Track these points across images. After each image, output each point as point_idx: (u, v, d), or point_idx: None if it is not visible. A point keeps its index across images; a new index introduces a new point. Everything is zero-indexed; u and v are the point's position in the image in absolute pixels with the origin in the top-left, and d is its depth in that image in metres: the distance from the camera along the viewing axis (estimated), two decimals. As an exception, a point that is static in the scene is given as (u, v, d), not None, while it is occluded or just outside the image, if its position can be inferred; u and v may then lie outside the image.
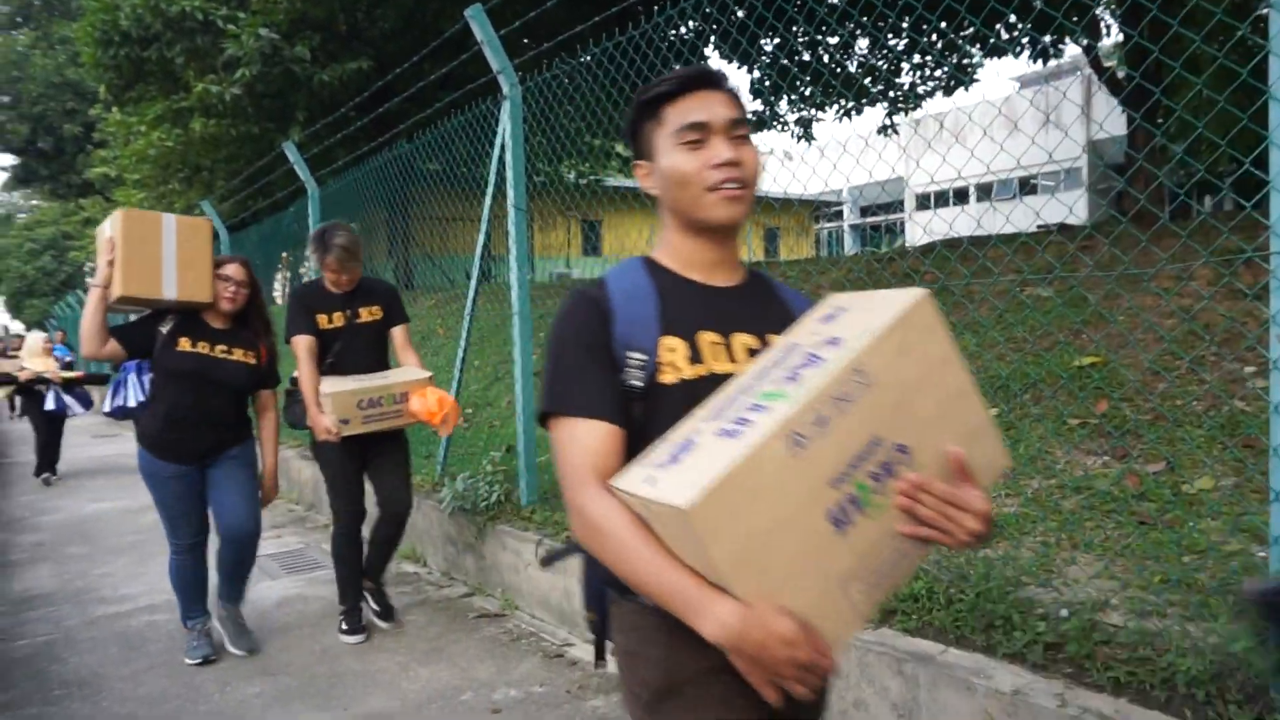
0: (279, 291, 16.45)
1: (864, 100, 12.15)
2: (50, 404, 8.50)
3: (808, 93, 11.99)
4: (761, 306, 1.38)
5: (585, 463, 1.20)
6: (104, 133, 21.36)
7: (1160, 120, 8.06)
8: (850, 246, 30.02)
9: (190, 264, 3.44)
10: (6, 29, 27.10)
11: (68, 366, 13.23)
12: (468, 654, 3.61)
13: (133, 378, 3.70)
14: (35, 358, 8.73)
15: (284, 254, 13.66)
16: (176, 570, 3.68)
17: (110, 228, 3.40)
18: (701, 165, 1.25)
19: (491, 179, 4.19)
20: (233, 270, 3.57)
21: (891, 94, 12.15)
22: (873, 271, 6.15)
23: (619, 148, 15.91)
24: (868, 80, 11.86)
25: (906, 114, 12.36)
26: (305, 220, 7.15)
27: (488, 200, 4.27)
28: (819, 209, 29.87)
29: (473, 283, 4.56)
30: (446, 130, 4.89)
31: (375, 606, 3.98)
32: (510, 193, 4.03)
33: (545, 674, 3.38)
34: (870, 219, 30.46)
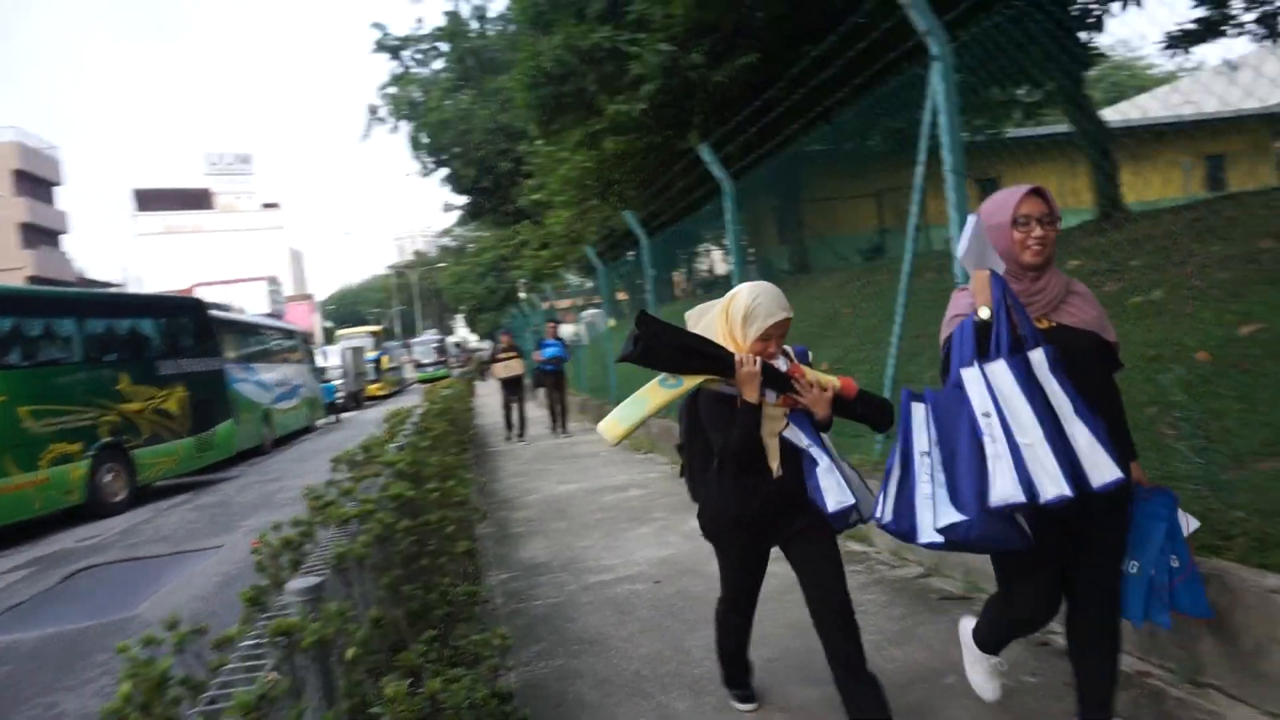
0: (682, 287, 17.66)
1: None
2: None
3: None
4: None
5: None
6: (530, 164, 24.80)
7: None
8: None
9: None
10: (453, 92, 32.68)
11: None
12: (939, 636, 3.51)
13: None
14: None
15: (680, 253, 14.62)
16: None
17: None
18: None
19: (922, 145, 4.01)
20: None
21: None
22: None
23: (1020, 93, 14.53)
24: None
25: None
26: (710, 221, 7.48)
27: (919, 169, 4.11)
28: (1282, 124, 24.48)
29: (906, 256, 4.42)
30: (863, 107, 4.81)
31: None
32: (947, 158, 3.82)
33: (1034, 663, 3.15)
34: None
